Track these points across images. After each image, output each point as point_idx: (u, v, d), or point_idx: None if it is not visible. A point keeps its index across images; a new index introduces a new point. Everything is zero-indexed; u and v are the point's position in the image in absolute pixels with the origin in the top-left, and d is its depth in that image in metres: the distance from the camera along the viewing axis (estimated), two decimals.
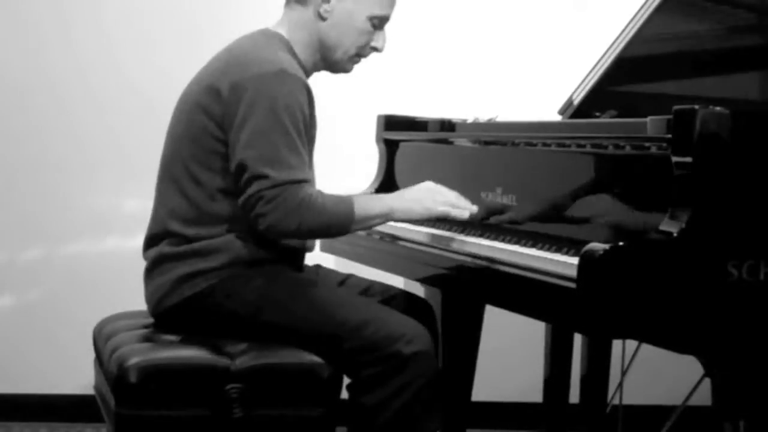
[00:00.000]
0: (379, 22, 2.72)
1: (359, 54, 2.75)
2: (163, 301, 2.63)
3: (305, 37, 2.70)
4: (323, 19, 2.68)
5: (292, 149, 2.53)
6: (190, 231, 2.61)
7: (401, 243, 2.86)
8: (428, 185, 2.69)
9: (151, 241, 2.68)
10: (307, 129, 2.59)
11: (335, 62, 2.74)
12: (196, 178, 2.61)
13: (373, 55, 3.57)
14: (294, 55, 2.67)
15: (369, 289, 2.84)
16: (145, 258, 2.70)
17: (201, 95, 2.61)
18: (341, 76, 3.22)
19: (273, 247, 2.63)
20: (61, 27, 3.86)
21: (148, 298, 2.68)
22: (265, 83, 2.53)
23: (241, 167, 2.52)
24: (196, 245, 2.60)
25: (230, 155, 2.55)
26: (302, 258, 2.77)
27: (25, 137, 3.87)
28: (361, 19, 2.69)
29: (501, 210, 2.70)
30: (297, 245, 2.70)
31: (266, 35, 2.70)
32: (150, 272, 2.67)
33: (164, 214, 2.65)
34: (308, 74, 2.72)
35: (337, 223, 2.58)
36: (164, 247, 2.63)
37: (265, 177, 2.49)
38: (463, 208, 2.64)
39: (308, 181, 2.56)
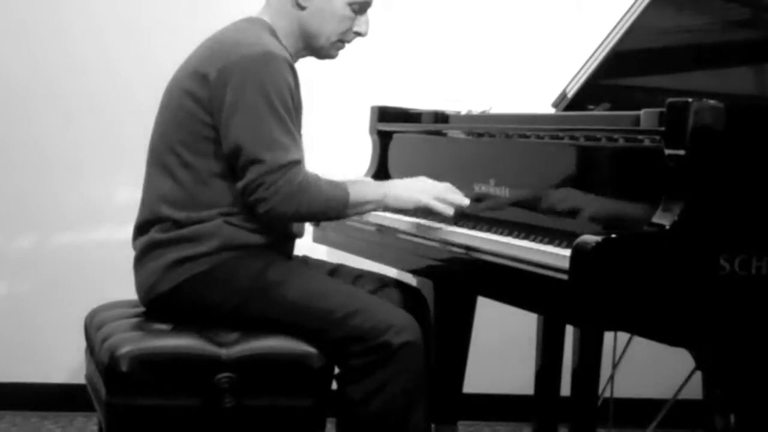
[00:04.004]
0: (359, 7, 2.72)
1: (342, 40, 2.75)
2: (154, 287, 2.62)
3: (286, 26, 2.71)
4: (302, 8, 2.69)
5: (285, 130, 2.55)
6: (181, 215, 2.60)
7: (393, 234, 2.86)
8: (422, 178, 2.71)
9: (140, 229, 2.68)
10: (296, 109, 2.61)
11: (319, 49, 2.76)
12: (186, 163, 2.61)
13: (368, 47, 3.58)
14: (278, 40, 2.68)
15: (360, 278, 2.85)
16: (135, 247, 2.69)
17: (188, 82, 2.62)
18: (335, 67, 3.22)
19: (264, 232, 2.63)
20: (54, 20, 3.85)
21: (139, 287, 2.68)
22: (252, 65, 2.54)
23: (236, 152, 2.54)
24: (186, 230, 2.60)
25: (222, 139, 2.56)
26: (293, 244, 2.78)
27: (16, 127, 3.86)
28: (341, 5, 2.70)
29: (494, 201, 2.70)
30: (287, 231, 2.71)
31: (250, 21, 2.71)
32: (140, 260, 2.67)
33: (154, 199, 2.65)
34: (293, 61, 2.72)
35: (334, 206, 2.60)
36: (154, 234, 2.63)
37: (262, 161, 2.51)
38: (451, 202, 2.65)
39: (302, 160, 2.58)
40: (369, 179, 3.06)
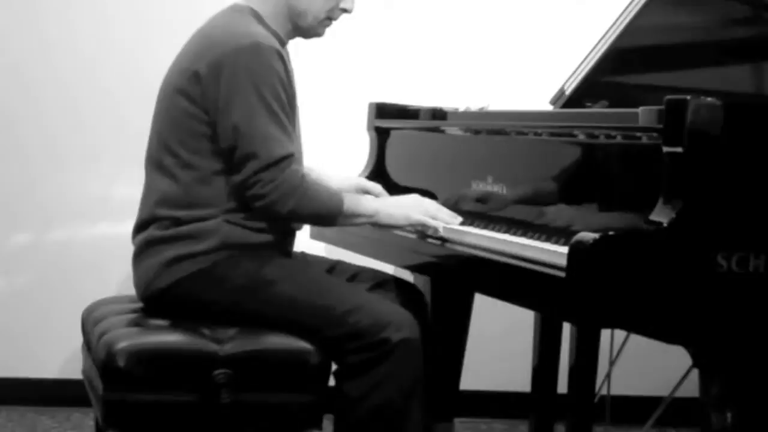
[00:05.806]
0: None
1: (329, 17, 2.76)
2: (152, 284, 2.62)
3: (272, 8, 2.70)
4: None
5: (277, 123, 2.55)
6: (180, 213, 2.60)
7: (391, 231, 2.85)
8: (414, 196, 2.74)
9: (140, 227, 2.68)
10: (289, 99, 2.61)
11: (307, 28, 2.75)
12: (185, 163, 2.60)
13: (366, 44, 3.59)
14: (266, 26, 2.68)
15: (358, 275, 2.85)
16: (134, 243, 2.69)
17: (180, 80, 2.61)
18: (333, 63, 3.24)
19: (263, 230, 2.63)
20: (63, 17, 3.84)
21: (137, 283, 2.68)
22: (242, 58, 2.54)
23: (232, 147, 2.54)
24: (184, 228, 2.60)
25: (219, 136, 2.56)
26: (292, 240, 2.78)
27: (17, 121, 3.86)
28: None
29: (491, 199, 2.70)
30: (286, 229, 2.71)
31: (236, 10, 2.70)
32: (138, 256, 2.67)
33: (153, 200, 2.65)
34: (284, 44, 2.73)
35: (327, 213, 2.61)
36: (153, 231, 2.63)
37: (256, 156, 2.52)
38: (442, 219, 2.67)
39: (296, 153, 2.58)
40: (365, 195, 3.05)
